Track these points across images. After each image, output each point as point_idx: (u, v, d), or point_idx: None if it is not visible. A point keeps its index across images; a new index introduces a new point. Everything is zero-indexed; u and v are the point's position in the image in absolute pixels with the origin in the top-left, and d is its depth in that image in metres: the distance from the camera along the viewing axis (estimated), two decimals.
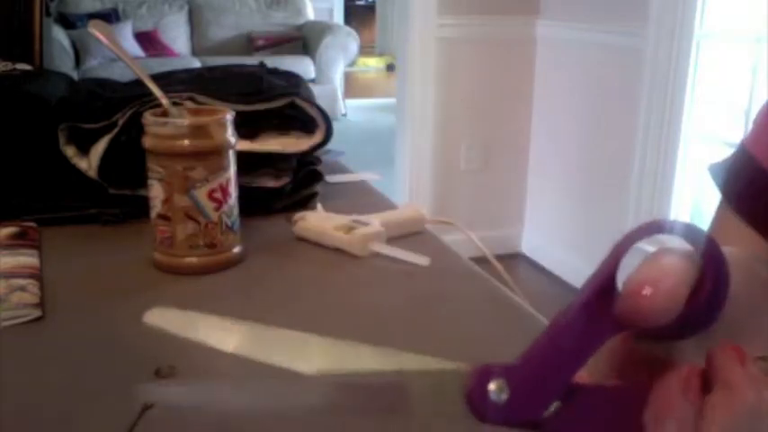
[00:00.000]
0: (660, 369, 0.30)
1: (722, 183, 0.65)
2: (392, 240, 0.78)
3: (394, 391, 0.30)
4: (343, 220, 0.79)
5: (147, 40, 5.90)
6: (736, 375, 0.28)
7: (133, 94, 0.83)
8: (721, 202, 0.65)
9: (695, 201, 2.57)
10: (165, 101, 0.71)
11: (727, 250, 0.30)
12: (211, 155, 0.69)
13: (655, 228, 0.29)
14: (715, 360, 0.29)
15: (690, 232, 0.29)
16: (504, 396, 0.29)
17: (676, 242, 0.29)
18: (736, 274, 0.29)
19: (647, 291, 0.27)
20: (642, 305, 0.28)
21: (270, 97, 0.87)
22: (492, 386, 0.29)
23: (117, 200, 0.83)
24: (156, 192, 0.69)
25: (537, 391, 0.29)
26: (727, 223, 0.63)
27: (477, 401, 0.29)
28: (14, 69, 1.01)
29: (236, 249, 0.73)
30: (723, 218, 0.64)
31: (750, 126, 0.64)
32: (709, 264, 0.29)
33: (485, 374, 0.29)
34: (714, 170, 0.66)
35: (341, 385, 0.30)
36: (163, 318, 0.34)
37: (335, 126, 0.91)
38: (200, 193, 0.69)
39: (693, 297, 0.28)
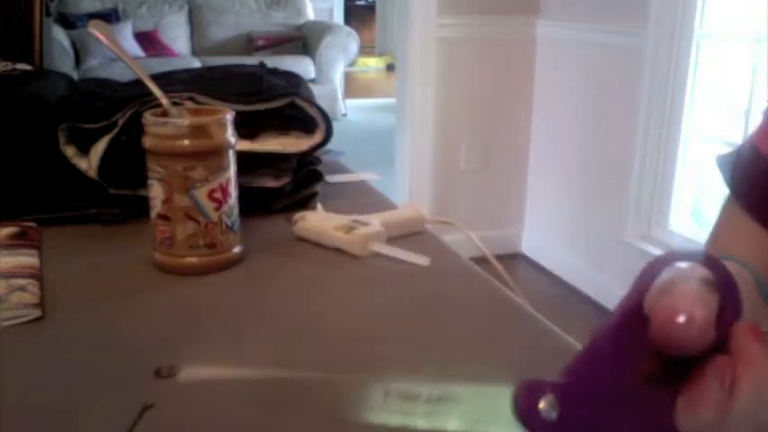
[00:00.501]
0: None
1: (730, 178, 0.65)
2: (392, 240, 0.78)
3: (444, 402, 0.31)
4: (343, 220, 0.79)
5: (147, 40, 5.90)
6: (753, 350, 0.29)
7: (133, 94, 0.83)
8: (729, 197, 0.65)
9: (695, 201, 2.57)
10: (165, 101, 0.71)
11: (728, 266, 0.31)
12: (211, 155, 0.69)
13: (677, 257, 0.30)
14: (734, 339, 0.30)
15: (706, 262, 0.30)
16: (554, 414, 0.30)
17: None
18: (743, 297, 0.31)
19: (681, 320, 0.28)
20: (678, 335, 0.28)
21: (270, 97, 0.87)
22: (542, 404, 0.30)
23: (117, 200, 0.83)
24: (156, 192, 0.69)
25: (584, 407, 0.30)
26: (735, 218, 0.63)
27: (530, 420, 0.30)
28: (14, 69, 1.01)
29: (236, 249, 0.73)
30: (731, 212, 0.64)
31: (753, 125, 0.63)
32: (727, 293, 0.30)
33: (535, 392, 0.30)
34: (722, 163, 0.66)
35: (383, 390, 0.31)
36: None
37: (335, 126, 0.91)
38: (200, 193, 0.69)
39: (717, 325, 0.29)
